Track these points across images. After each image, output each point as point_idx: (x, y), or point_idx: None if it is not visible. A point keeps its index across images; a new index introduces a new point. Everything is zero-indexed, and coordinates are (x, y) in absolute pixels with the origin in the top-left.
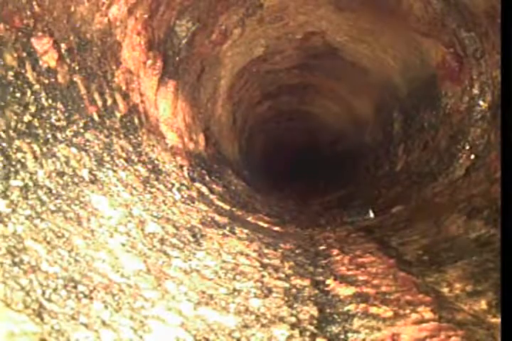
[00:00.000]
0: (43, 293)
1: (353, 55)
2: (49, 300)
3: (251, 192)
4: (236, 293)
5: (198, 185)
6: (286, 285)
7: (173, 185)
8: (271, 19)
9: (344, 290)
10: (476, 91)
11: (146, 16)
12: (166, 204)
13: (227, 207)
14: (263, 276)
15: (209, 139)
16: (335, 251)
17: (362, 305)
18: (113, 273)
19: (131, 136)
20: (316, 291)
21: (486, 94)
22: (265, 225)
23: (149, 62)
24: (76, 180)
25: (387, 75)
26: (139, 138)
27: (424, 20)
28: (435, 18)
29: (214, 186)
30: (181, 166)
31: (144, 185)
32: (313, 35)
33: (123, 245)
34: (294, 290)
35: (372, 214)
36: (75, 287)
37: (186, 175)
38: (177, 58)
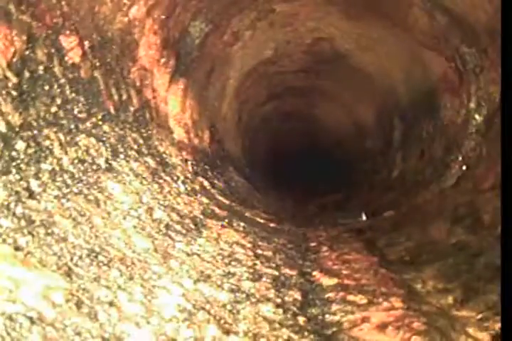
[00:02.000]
0: (71, 259)
1: (359, 62)
2: (76, 264)
3: (250, 190)
4: (230, 275)
5: (200, 179)
6: (276, 273)
7: (178, 177)
8: (282, 24)
9: (327, 281)
10: (472, 105)
11: (163, 17)
12: (171, 195)
13: (227, 202)
14: (255, 264)
15: (214, 136)
16: (324, 248)
17: (341, 293)
18: (126, 249)
19: (143, 130)
20: (302, 280)
21: (482, 108)
22: (262, 221)
23: (163, 60)
24: (94, 167)
25: (391, 84)
26: (149, 132)
27: (428, 34)
28: (439, 33)
29: (215, 181)
30: (186, 160)
31: (152, 175)
32: (321, 41)
33: (134, 227)
34: (282, 278)
35: (364, 217)
36: (96, 257)
37: (190, 169)
38: (189, 57)
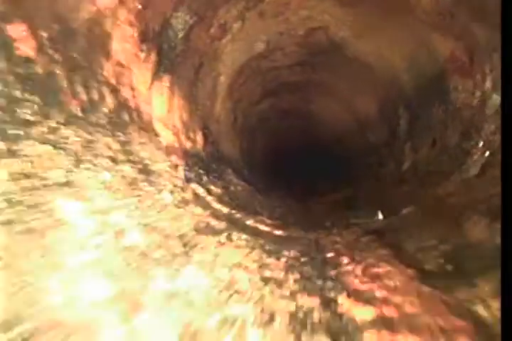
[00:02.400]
0: None
1: (357, 51)
2: None
3: (252, 193)
4: (229, 323)
5: (193, 186)
6: (292, 307)
7: (164, 186)
8: (272, 13)
9: (361, 313)
10: (488, 85)
11: (139, 7)
12: (153, 209)
13: (226, 210)
14: (263, 296)
15: (208, 138)
16: (345, 259)
17: (384, 333)
18: (68, 307)
19: (119, 133)
20: (328, 314)
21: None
22: (267, 229)
23: (142, 55)
24: (44, 182)
25: (392, 72)
26: (129, 136)
27: (433, 12)
28: (444, 10)
29: (212, 187)
30: (176, 166)
31: (129, 187)
32: (315, 30)
33: (90, 264)
34: (300, 314)
35: (380, 216)
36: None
37: (182, 176)
38: (173, 52)
